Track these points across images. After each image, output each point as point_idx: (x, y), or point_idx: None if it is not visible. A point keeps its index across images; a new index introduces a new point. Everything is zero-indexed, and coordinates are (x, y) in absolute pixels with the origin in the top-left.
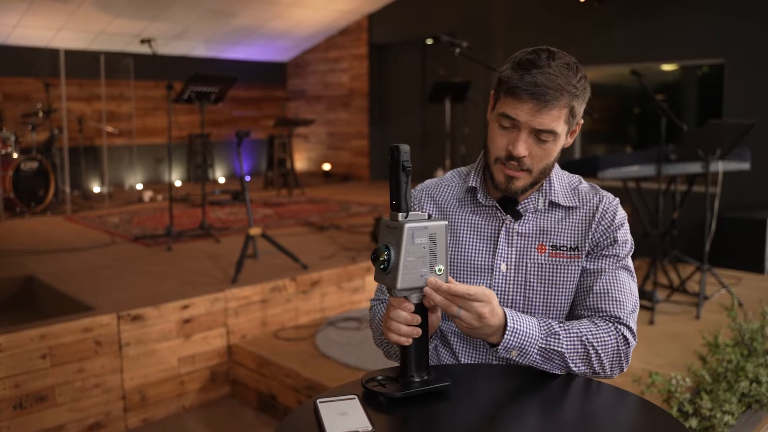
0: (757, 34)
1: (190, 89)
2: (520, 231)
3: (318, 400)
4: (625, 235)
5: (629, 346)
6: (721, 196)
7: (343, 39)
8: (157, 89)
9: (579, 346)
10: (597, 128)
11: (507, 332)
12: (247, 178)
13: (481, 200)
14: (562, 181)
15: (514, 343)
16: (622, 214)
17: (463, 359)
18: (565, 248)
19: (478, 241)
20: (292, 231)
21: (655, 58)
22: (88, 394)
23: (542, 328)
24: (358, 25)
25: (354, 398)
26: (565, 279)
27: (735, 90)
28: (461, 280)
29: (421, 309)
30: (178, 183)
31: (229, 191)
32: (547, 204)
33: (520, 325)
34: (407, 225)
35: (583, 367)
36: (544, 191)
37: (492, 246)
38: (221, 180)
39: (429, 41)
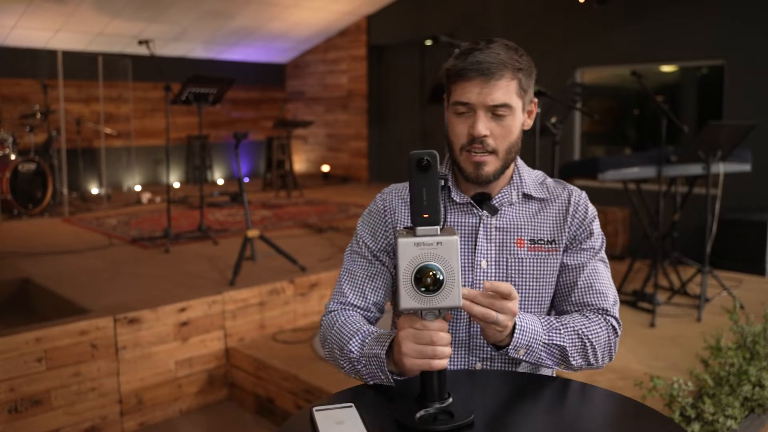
0: (758, 35)
1: (188, 90)
2: (498, 225)
3: (314, 409)
4: (598, 226)
5: (617, 336)
6: (721, 198)
7: (342, 40)
8: (156, 91)
9: (577, 340)
10: (596, 129)
11: (516, 331)
12: (246, 180)
13: (455, 198)
14: (530, 175)
15: (523, 342)
16: (592, 207)
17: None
18: (542, 242)
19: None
20: (291, 233)
21: (655, 60)
22: (84, 397)
23: (543, 324)
24: (357, 27)
25: (351, 407)
26: (545, 273)
27: (735, 91)
28: None
29: None
30: (176, 185)
31: (228, 193)
32: (520, 197)
33: (526, 323)
34: (455, 237)
35: (580, 360)
36: (515, 184)
37: (472, 243)
38: (220, 182)
39: (428, 42)
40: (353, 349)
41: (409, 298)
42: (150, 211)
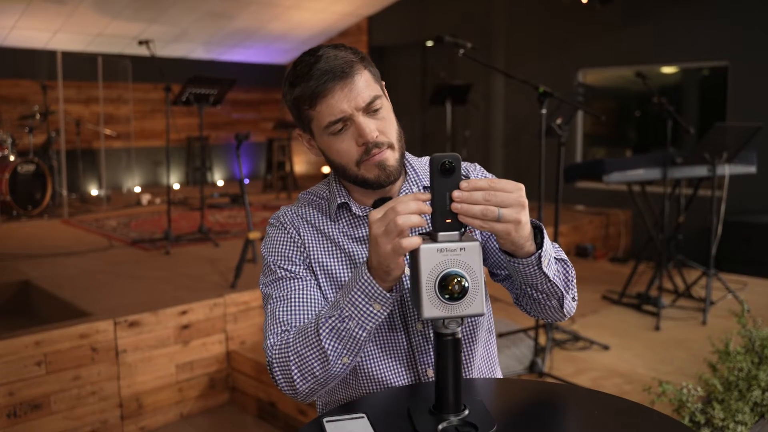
0: (762, 37)
1: (189, 91)
2: None
3: (325, 419)
4: None
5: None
6: (726, 200)
7: (343, 41)
8: (156, 92)
9: (565, 262)
10: (597, 131)
11: (546, 236)
12: (246, 181)
13: (357, 212)
14: (421, 165)
15: (547, 246)
16: (491, 175)
17: (396, 382)
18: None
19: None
20: None
21: (658, 61)
22: (84, 401)
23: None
24: (358, 27)
25: (363, 417)
26: None
27: (739, 93)
28: None
29: (456, 343)
30: (176, 186)
31: (228, 194)
32: (422, 190)
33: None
34: (477, 243)
35: (572, 291)
36: (412, 179)
37: None
38: (220, 183)
39: (429, 43)
40: (328, 314)
41: (432, 306)
42: (150, 213)
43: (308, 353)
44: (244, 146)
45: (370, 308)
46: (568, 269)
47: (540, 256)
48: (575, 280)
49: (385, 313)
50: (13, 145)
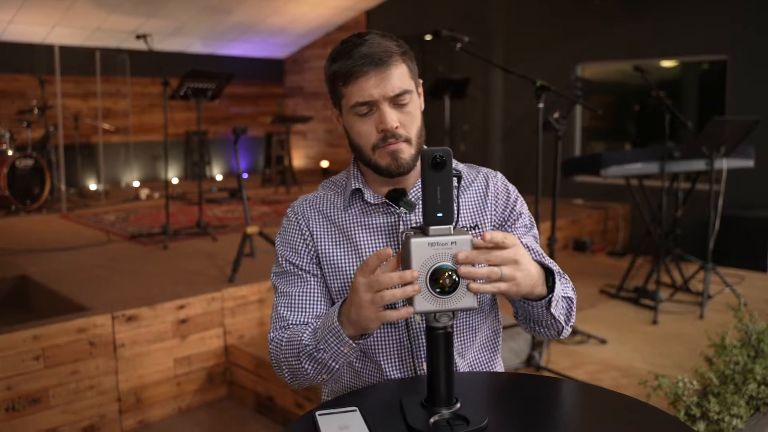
0: (761, 31)
1: (187, 86)
2: (418, 220)
3: (317, 413)
4: (523, 205)
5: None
6: (724, 194)
7: (341, 35)
8: (154, 86)
9: (571, 294)
10: (596, 125)
11: (556, 278)
12: (245, 176)
13: (369, 200)
14: None
15: (559, 289)
16: (513, 187)
17: (396, 374)
18: (465, 228)
19: (379, 241)
20: None
21: (657, 55)
22: (82, 396)
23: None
24: (356, 22)
25: (355, 410)
26: None
27: (738, 87)
28: None
29: (447, 336)
30: (174, 180)
31: (227, 189)
32: None
33: (554, 265)
34: (469, 236)
35: (572, 320)
36: None
37: (395, 243)
38: (218, 177)
39: (428, 37)
40: (307, 342)
41: (423, 300)
42: (148, 207)
43: (294, 363)
44: (243, 141)
45: (341, 348)
46: (572, 305)
47: (550, 300)
48: (575, 308)
49: (355, 354)
50: (11, 139)
